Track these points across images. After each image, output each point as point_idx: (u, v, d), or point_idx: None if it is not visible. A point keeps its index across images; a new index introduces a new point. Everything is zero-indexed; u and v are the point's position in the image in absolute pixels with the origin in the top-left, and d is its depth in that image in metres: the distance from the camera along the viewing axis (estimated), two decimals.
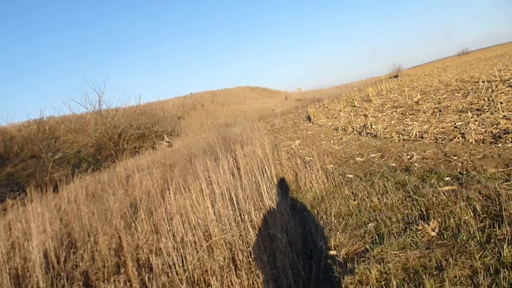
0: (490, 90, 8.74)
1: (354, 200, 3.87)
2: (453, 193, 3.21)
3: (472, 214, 2.73)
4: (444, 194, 3.24)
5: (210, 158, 5.87)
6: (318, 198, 4.37)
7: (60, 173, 10.23)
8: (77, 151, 13.59)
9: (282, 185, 5.12)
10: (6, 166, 11.34)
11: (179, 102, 29.81)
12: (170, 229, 3.54)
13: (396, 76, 32.10)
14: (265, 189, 3.90)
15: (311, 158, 5.95)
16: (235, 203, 3.79)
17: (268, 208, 3.65)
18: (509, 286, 1.90)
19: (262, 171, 4.74)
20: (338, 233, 3.13)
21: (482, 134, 5.17)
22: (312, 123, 12.07)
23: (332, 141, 7.84)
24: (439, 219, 2.82)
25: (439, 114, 7.39)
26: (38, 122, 15.46)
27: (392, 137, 6.57)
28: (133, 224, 3.96)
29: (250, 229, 3.17)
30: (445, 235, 2.57)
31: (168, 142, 15.18)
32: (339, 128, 9.28)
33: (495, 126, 5.50)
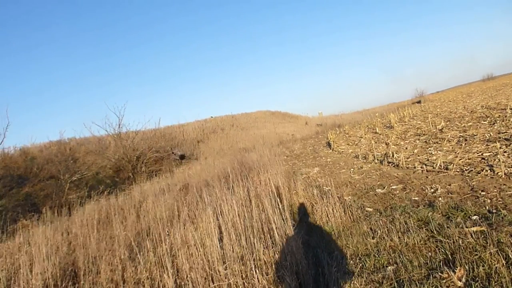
0: None
1: (373, 238, 3.61)
2: (482, 236, 2.92)
3: (504, 262, 2.44)
4: (471, 236, 2.96)
5: (224, 186, 5.71)
6: (334, 233, 4.12)
7: (76, 195, 10.25)
8: (95, 172, 13.68)
9: (297, 218, 4.89)
10: (25, 186, 11.48)
11: (199, 125, 30.01)
12: (174, 264, 3.36)
13: (419, 102, 31.49)
14: (277, 223, 3.69)
15: (329, 188, 5.71)
16: (244, 238, 3.58)
17: (279, 245, 3.43)
18: None
19: (276, 202, 4.53)
20: (354, 277, 2.88)
21: None
22: (332, 150, 11.80)
23: (352, 170, 7.57)
24: (466, 266, 2.54)
25: (465, 144, 7.05)
26: (58, 143, 15.72)
27: (415, 167, 6.27)
28: (137, 256, 3.79)
29: (257, 271, 2.94)
30: (473, 287, 2.30)
31: (180, 155, 15.01)
32: (360, 156, 9.00)
33: None
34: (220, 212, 4.31)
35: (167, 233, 4.38)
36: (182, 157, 13.55)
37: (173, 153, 16.63)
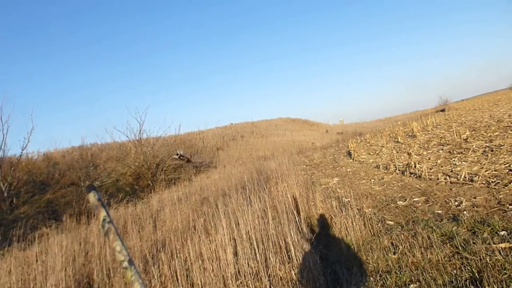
0: None
1: (394, 253, 3.48)
2: (511, 253, 2.77)
3: None
4: (500, 253, 2.80)
5: (241, 196, 5.64)
6: (353, 248, 3.99)
7: None
8: (115, 180, 13.83)
9: (315, 230, 4.77)
10: (46, 192, 11.68)
11: (219, 132, 30.11)
12: (188, 278, 3.30)
13: (442, 110, 30.80)
14: (294, 237, 3.59)
15: (349, 200, 5.57)
16: (259, 252, 3.49)
17: (296, 260, 3.33)
18: None
19: (294, 214, 4.44)
20: None
21: None
22: (353, 159, 11.60)
23: (372, 180, 7.40)
24: (495, 286, 2.40)
25: (491, 154, 6.80)
26: (80, 148, 15.99)
27: (438, 178, 6.07)
28: (152, 268, 3.75)
29: None
30: None
31: (183, 157, 14.96)
32: (381, 166, 8.80)
33: None
34: (236, 223, 4.24)
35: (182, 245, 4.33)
36: (182, 157, 13.49)
37: (177, 154, 16.66)
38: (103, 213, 0.68)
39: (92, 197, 0.73)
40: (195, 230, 4.51)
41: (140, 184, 14.04)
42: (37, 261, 5.07)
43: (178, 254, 4.00)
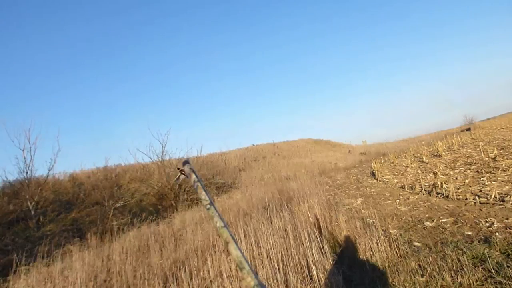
0: None
1: (422, 276, 3.32)
2: None
3: None
4: None
5: (262, 216, 5.57)
6: (379, 269, 3.84)
7: (120, 222, 10.45)
8: (138, 200, 13.95)
9: (338, 251, 4.63)
10: (72, 211, 11.86)
11: (240, 153, 30.17)
12: None
13: (468, 129, 30.01)
14: (316, 257, 3.49)
15: (373, 220, 5.42)
16: (279, 272, 3.40)
17: (318, 281, 3.22)
18: None
19: (316, 234, 4.33)
20: None
21: None
22: (377, 180, 11.37)
23: (397, 201, 7.20)
24: None
25: None
26: (105, 169, 16.26)
27: (466, 198, 5.85)
28: (171, 286, 3.70)
29: None
30: None
31: (184, 174, 15.08)
32: (406, 186, 8.58)
33: None
34: (256, 243, 4.17)
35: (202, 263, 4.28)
36: (183, 172, 13.45)
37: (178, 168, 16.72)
38: (193, 176, 0.86)
39: (186, 168, 0.90)
40: (215, 248, 4.45)
41: (163, 204, 14.09)
42: (61, 276, 5.12)
43: (198, 273, 3.95)
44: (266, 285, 3.14)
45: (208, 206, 0.81)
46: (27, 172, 12.07)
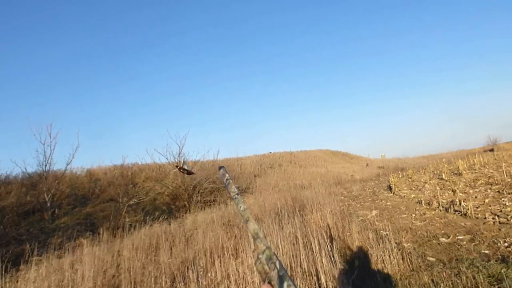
0: None
1: None
2: None
3: None
4: None
5: (273, 222, 5.52)
6: (390, 282, 3.75)
7: (132, 219, 10.54)
8: (152, 198, 14.06)
9: (349, 261, 4.54)
10: (87, 206, 12.02)
11: (257, 160, 30.10)
12: None
13: (491, 150, 29.29)
14: (325, 265, 3.42)
15: (387, 233, 5.31)
16: None
17: None
18: None
19: (326, 243, 4.25)
20: None
21: None
22: (393, 194, 11.17)
23: (413, 215, 7.05)
24: None
25: None
26: (121, 167, 16.46)
27: (485, 217, 5.68)
28: (179, 285, 3.68)
29: None
30: None
31: (184, 170, 15.17)
32: (423, 201, 8.39)
33: None
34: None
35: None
36: (183, 170, 13.55)
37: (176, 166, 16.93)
38: (227, 175, 1.02)
39: (222, 170, 1.08)
40: (223, 250, 4.42)
41: (177, 204, 14.17)
42: (71, 268, 5.17)
43: (206, 274, 3.93)
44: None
45: (236, 196, 0.97)
46: (45, 165, 12.31)
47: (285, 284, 0.63)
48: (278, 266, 0.69)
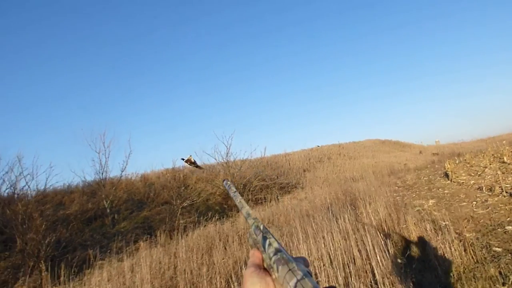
0: None
1: (503, 284, 3.00)
2: None
3: None
4: None
5: (325, 217, 5.42)
6: (453, 275, 3.54)
7: (187, 220, 10.80)
8: (205, 199, 14.33)
9: (406, 255, 4.35)
10: (143, 210, 12.50)
11: (305, 154, 29.81)
12: None
13: None
14: (381, 261, 3.28)
15: (446, 223, 5.04)
16: (341, 275, 3.24)
17: (383, 285, 3.02)
18: None
19: (380, 237, 4.10)
20: None
21: None
22: (451, 181, 10.62)
23: (474, 203, 6.65)
24: None
25: None
26: (173, 170, 16.92)
27: None
28: (233, 285, 3.69)
29: None
30: None
31: (192, 163, 15.26)
32: (484, 187, 7.90)
33: None
34: (316, 247, 4.03)
35: None
36: (191, 163, 13.58)
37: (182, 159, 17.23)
38: (233, 188, 0.97)
39: (225, 182, 1.03)
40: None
41: (229, 203, 14.34)
42: (131, 272, 5.38)
43: None
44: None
45: (240, 204, 0.91)
46: (102, 173, 12.97)
47: (267, 242, 0.65)
48: (262, 228, 0.71)
